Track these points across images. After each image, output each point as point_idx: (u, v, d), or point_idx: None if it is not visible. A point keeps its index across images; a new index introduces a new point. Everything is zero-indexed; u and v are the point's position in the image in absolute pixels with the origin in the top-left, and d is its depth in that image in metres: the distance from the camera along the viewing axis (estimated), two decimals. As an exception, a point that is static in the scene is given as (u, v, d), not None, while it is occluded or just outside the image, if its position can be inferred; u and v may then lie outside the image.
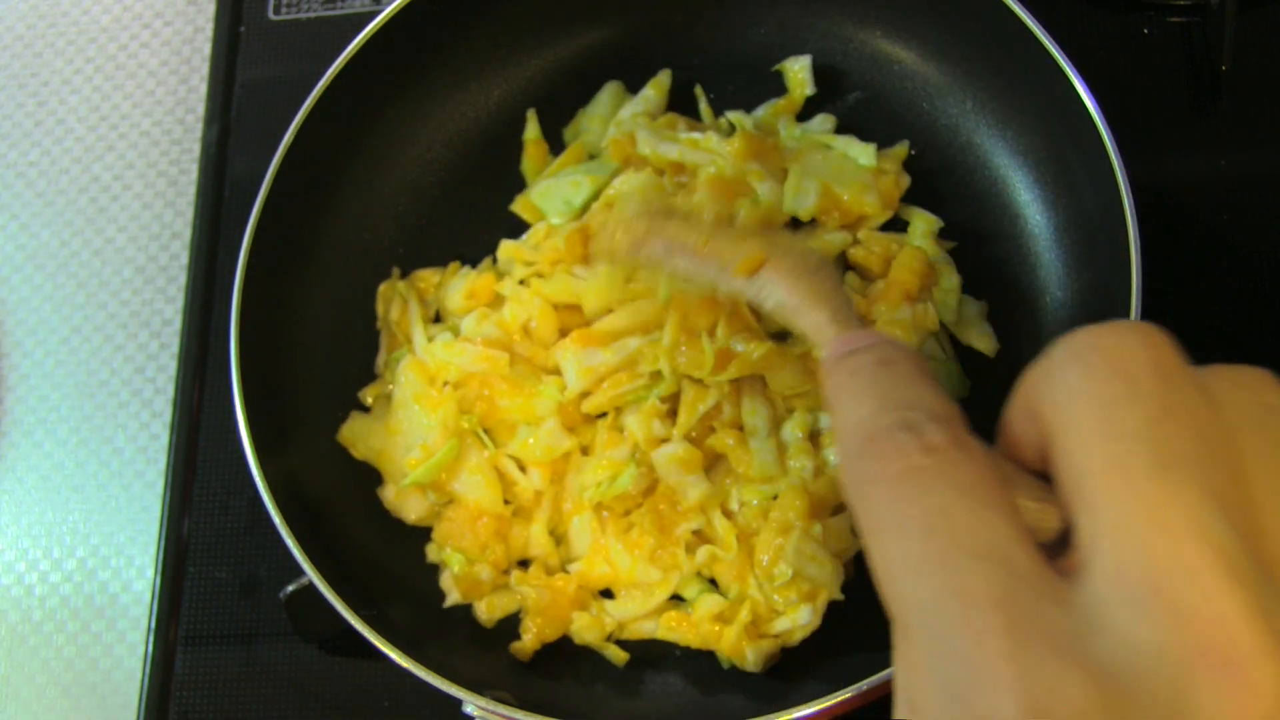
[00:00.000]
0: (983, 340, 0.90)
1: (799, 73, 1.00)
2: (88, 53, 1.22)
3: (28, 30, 1.24)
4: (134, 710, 0.95)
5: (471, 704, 0.76)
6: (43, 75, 1.22)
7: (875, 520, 0.41)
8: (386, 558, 0.90)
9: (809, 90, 0.99)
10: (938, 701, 0.37)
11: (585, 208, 0.96)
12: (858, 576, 0.85)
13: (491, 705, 0.76)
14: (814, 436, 0.87)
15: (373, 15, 0.95)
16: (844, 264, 0.93)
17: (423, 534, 0.92)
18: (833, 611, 0.83)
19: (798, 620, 0.82)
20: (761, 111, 1.00)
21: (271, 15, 1.17)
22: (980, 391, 0.89)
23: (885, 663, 0.72)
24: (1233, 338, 0.93)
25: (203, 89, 1.16)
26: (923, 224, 0.93)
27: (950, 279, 0.90)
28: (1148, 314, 0.76)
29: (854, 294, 0.89)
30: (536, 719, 0.75)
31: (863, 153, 0.94)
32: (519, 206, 1.00)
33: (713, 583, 0.87)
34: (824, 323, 0.62)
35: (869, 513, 0.41)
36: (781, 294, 0.66)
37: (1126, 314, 0.76)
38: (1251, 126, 0.99)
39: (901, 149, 0.96)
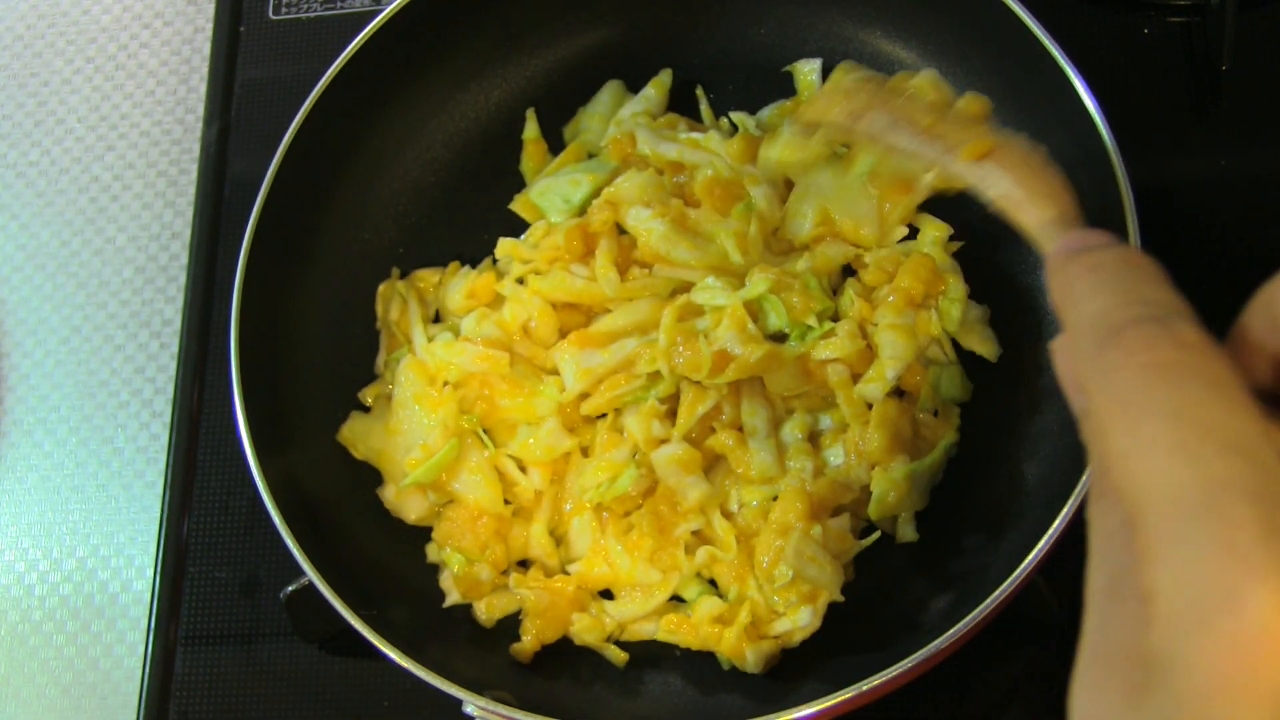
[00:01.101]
0: (985, 346, 0.90)
1: (809, 75, 1.00)
2: (88, 53, 1.22)
3: (28, 30, 1.24)
4: (134, 710, 0.95)
5: (471, 704, 0.76)
6: (43, 75, 1.22)
7: (1120, 406, 0.41)
8: (386, 558, 0.90)
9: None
10: (1185, 587, 0.37)
11: (584, 206, 0.96)
12: (857, 578, 0.85)
13: (491, 705, 0.76)
14: (814, 437, 0.87)
15: (373, 15, 0.95)
16: (846, 270, 0.93)
17: (423, 534, 0.92)
18: (832, 613, 0.83)
19: (798, 622, 0.82)
20: (766, 113, 1.00)
21: (271, 15, 1.17)
22: (982, 395, 0.89)
23: (885, 662, 0.72)
24: (1233, 338, 0.93)
25: (203, 89, 1.16)
26: (933, 231, 0.92)
27: (957, 288, 0.90)
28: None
29: (857, 297, 0.89)
30: (536, 719, 0.75)
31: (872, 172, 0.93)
32: (518, 205, 1.00)
33: (712, 584, 0.87)
34: (1053, 219, 0.61)
35: (1113, 398, 0.41)
36: (1007, 185, 0.64)
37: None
38: (1251, 126, 0.99)
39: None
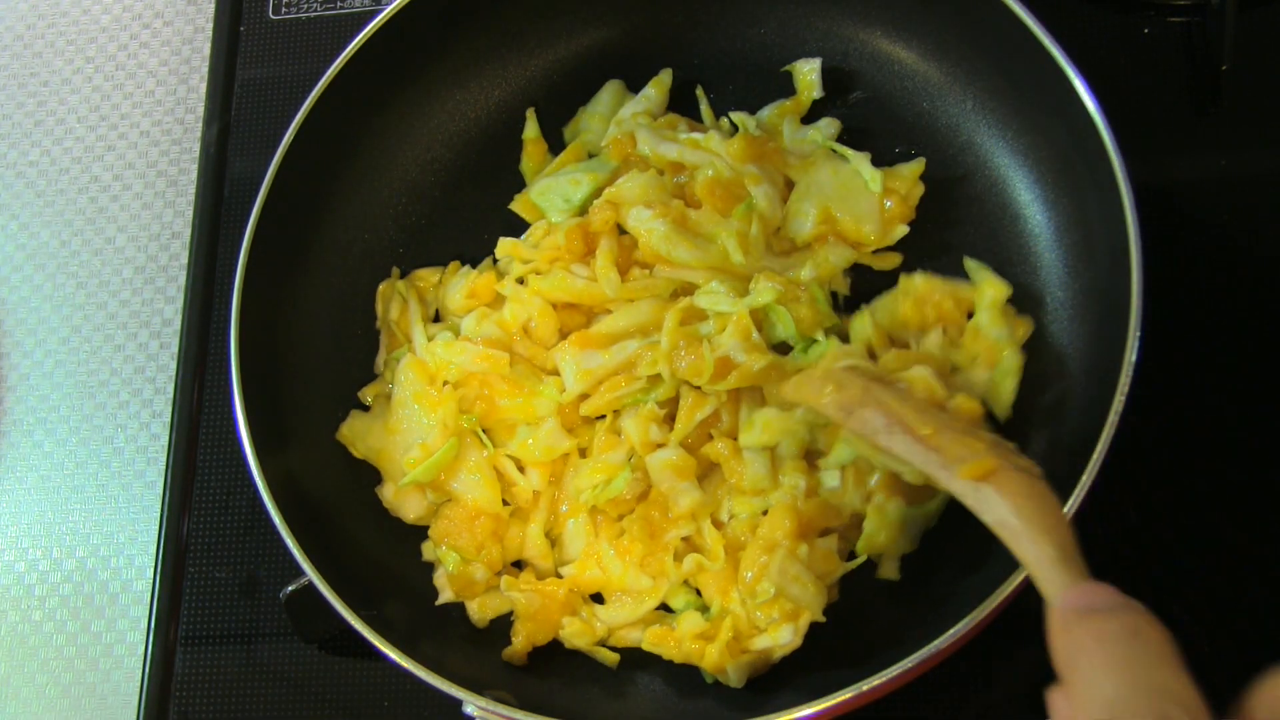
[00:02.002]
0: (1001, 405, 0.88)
1: (809, 74, 1.00)
2: (88, 53, 1.22)
3: (28, 30, 1.24)
4: (134, 710, 0.95)
5: (471, 704, 0.76)
6: (43, 75, 1.22)
7: None
8: (385, 557, 0.90)
9: (817, 93, 0.99)
10: None
11: (584, 206, 0.95)
12: (841, 599, 0.85)
13: (491, 705, 0.76)
14: (809, 455, 0.87)
15: (373, 15, 0.95)
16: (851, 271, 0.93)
17: (421, 533, 0.92)
18: (815, 630, 0.82)
19: (779, 639, 0.81)
20: (766, 112, 1.00)
21: (271, 15, 1.17)
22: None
23: (870, 673, 0.72)
24: (1233, 337, 0.93)
25: (203, 89, 1.16)
26: (991, 291, 0.87)
27: (1013, 359, 0.85)
28: (1148, 314, 0.76)
29: (871, 323, 0.87)
30: (536, 719, 0.75)
31: (873, 179, 0.93)
32: (518, 205, 1.00)
33: (699, 593, 0.87)
34: (1053, 559, 0.59)
35: None
36: (1005, 512, 0.63)
37: (1127, 314, 0.76)
38: (1251, 126, 0.99)
39: (918, 165, 0.95)
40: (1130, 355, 0.75)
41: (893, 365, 0.83)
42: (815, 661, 0.83)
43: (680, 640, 0.83)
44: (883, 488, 0.83)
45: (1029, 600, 0.82)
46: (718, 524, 0.86)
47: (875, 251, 0.93)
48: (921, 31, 0.97)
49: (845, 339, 0.88)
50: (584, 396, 0.89)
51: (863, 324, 0.88)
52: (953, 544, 0.85)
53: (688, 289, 0.90)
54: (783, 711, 0.73)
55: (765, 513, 0.84)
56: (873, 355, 0.87)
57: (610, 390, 0.88)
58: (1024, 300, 0.90)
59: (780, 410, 0.85)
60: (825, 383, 0.78)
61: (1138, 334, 0.75)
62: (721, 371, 0.84)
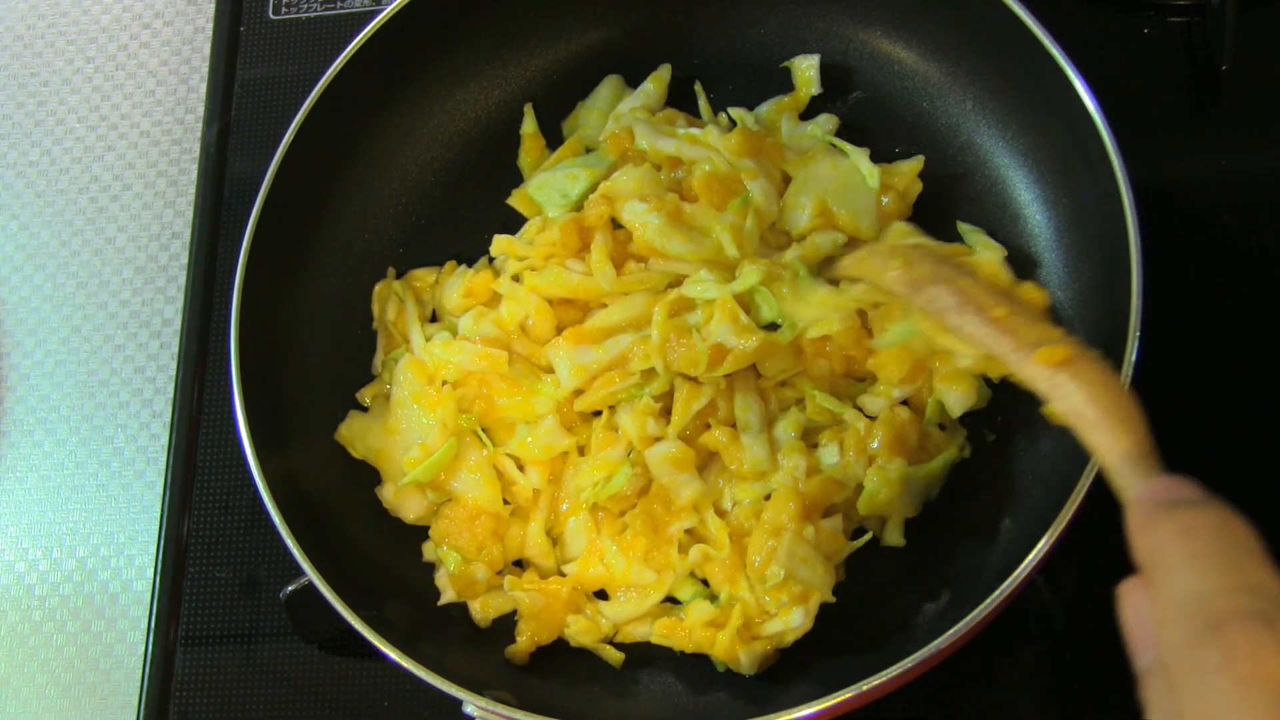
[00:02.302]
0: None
1: (807, 70, 1.00)
2: (88, 53, 1.22)
3: (28, 30, 1.24)
4: (134, 710, 0.95)
5: (471, 704, 0.76)
6: (43, 75, 1.22)
7: (1217, 717, 0.39)
8: (385, 557, 0.90)
9: (815, 89, 0.99)
10: None
11: (581, 201, 0.96)
12: (849, 580, 0.85)
13: (491, 705, 0.76)
14: (807, 436, 0.87)
15: (372, 15, 0.95)
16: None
17: (421, 533, 0.92)
18: (825, 613, 0.83)
19: (790, 623, 0.82)
20: (765, 108, 1.00)
21: (271, 15, 1.17)
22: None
23: (880, 663, 0.72)
24: (1233, 337, 0.93)
25: (203, 89, 1.16)
26: (987, 253, 0.88)
27: None
28: (1148, 314, 0.76)
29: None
30: (536, 719, 0.75)
31: (870, 174, 0.93)
32: (515, 200, 1.00)
33: (705, 584, 0.87)
34: (1130, 452, 0.58)
35: (1209, 704, 0.39)
36: (1082, 401, 0.62)
37: (1126, 314, 0.76)
38: (1251, 126, 0.99)
39: (916, 163, 0.95)
40: (1130, 355, 0.75)
41: (959, 253, 0.80)
42: (826, 646, 0.83)
43: (690, 630, 0.83)
44: (884, 450, 0.84)
45: (1030, 600, 0.82)
46: (721, 512, 0.86)
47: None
48: (921, 31, 0.97)
49: None
50: (579, 392, 0.89)
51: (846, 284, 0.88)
52: (959, 520, 0.86)
53: (682, 282, 0.90)
54: (783, 711, 0.73)
55: (768, 497, 0.84)
56: (862, 315, 0.87)
57: (605, 386, 0.88)
58: (1024, 300, 0.90)
59: (833, 289, 0.83)
60: (893, 257, 0.75)
61: (1138, 334, 0.75)
62: (717, 358, 0.84)
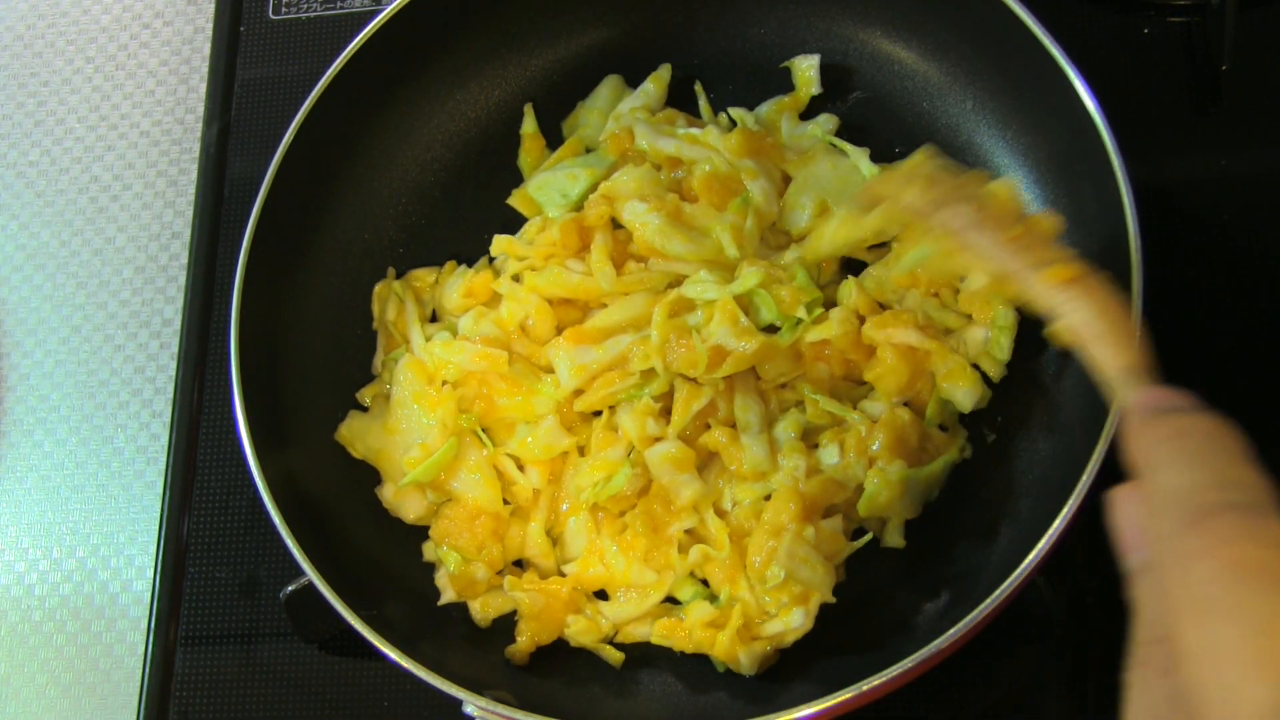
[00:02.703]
0: (993, 366, 0.89)
1: (807, 70, 1.00)
2: (88, 53, 1.22)
3: (28, 30, 1.24)
4: (134, 710, 0.95)
5: (471, 704, 0.76)
6: (43, 75, 1.22)
7: (1202, 599, 0.40)
8: (385, 557, 0.90)
9: (815, 89, 0.99)
10: None
11: (581, 200, 0.96)
12: (849, 580, 0.85)
13: (491, 705, 0.76)
14: (807, 436, 0.87)
15: (373, 15, 0.95)
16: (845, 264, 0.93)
17: (421, 533, 0.92)
18: (825, 614, 0.83)
19: (790, 623, 0.82)
20: (765, 108, 1.00)
21: (271, 15, 1.17)
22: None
23: (880, 663, 0.72)
24: (1233, 337, 0.93)
25: (203, 89, 1.16)
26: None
27: (1007, 315, 0.87)
28: (1148, 314, 0.76)
29: (858, 288, 0.88)
30: (536, 719, 0.75)
31: (870, 175, 0.93)
32: (515, 200, 1.00)
33: (705, 584, 0.87)
34: (1130, 366, 0.60)
35: (1195, 588, 0.40)
36: (1086, 316, 0.64)
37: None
38: (1251, 126, 0.99)
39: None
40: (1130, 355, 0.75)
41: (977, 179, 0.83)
42: (826, 647, 0.83)
43: (690, 630, 0.84)
44: (884, 452, 0.84)
45: (1030, 600, 0.82)
46: (721, 513, 0.86)
47: (871, 247, 0.93)
48: (921, 31, 0.97)
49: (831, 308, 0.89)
50: (579, 392, 0.89)
51: (849, 291, 0.89)
52: (959, 520, 0.86)
53: (682, 282, 0.90)
54: (783, 711, 0.73)
55: (768, 498, 0.84)
56: (861, 320, 0.87)
57: (605, 386, 0.88)
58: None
59: (851, 216, 0.84)
60: (915, 177, 0.77)
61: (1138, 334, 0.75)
62: (715, 361, 0.84)
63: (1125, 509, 0.49)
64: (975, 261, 0.74)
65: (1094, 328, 0.64)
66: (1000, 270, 0.72)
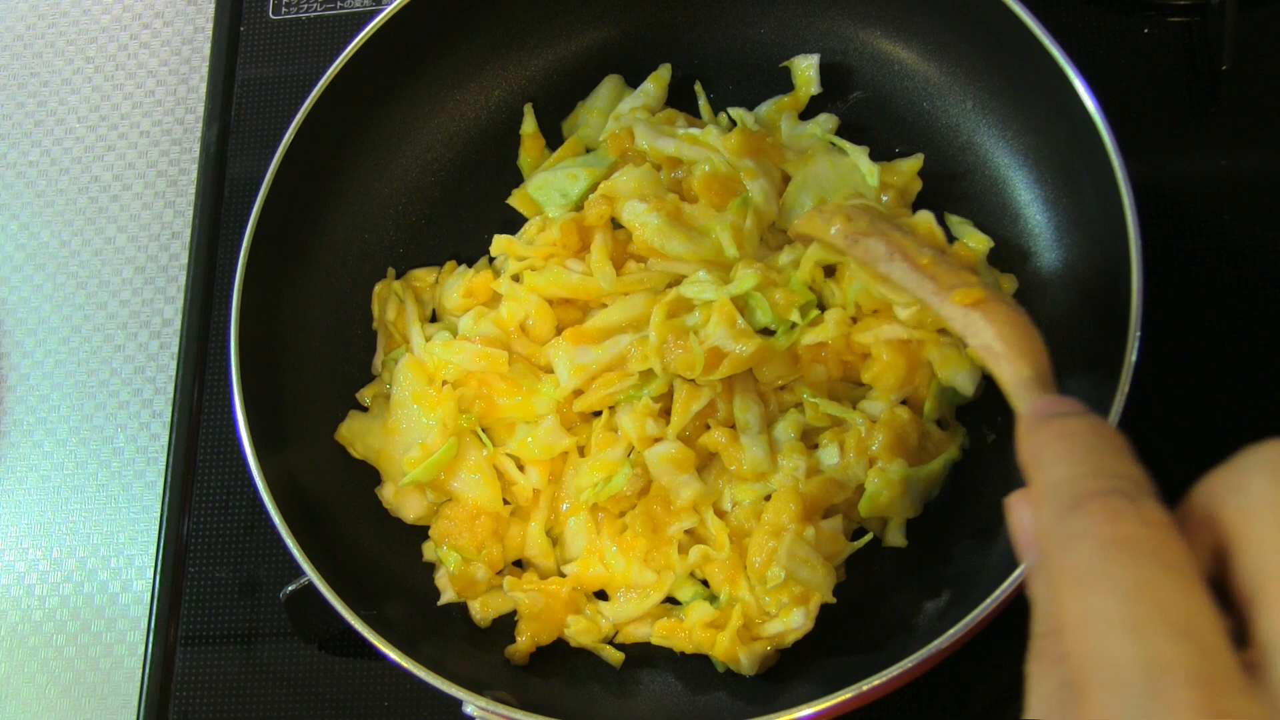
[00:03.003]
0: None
1: (807, 70, 1.00)
2: (88, 53, 1.22)
3: (28, 30, 1.24)
4: (134, 710, 0.95)
5: (471, 704, 0.76)
6: (43, 75, 1.22)
7: (1079, 573, 0.42)
8: (386, 557, 0.90)
9: (815, 89, 0.99)
10: None
11: (581, 200, 0.96)
12: (849, 580, 0.85)
13: (491, 705, 0.76)
14: (806, 436, 0.87)
15: (373, 15, 0.95)
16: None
17: (421, 533, 0.92)
18: (825, 614, 0.83)
19: (790, 623, 0.82)
20: (764, 108, 1.00)
21: (271, 15, 1.17)
22: (975, 398, 0.89)
23: (881, 663, 0.72)
24: (1233, 337, 0.93)
25: (203, 89, 1.16)
26: (974, 244, 0.91)
27: None
28: (1148, 313, 0.76)
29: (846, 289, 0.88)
30: (536, 719, 0.75)
31: (870, 173, 0.93)
32: (515, 200, 1.00)
33: (705, 584, 0.87)
34: (1028, 379, 0.65)
35: (1073, 565, 0.43)
36: (990, 337, 0.68)
37: (1127, 315, 0.76)
38: (1251, 126, 0.99)
39: (916, 161, 0.95)
40: (1130, 355, 0.75)
41: (897, 213, 0.88)
42: (826, 647, 0.83)
43: (690, 630, 0.84)
44: (884, 451, 0.84)
45: (1028, 601, 0.82)
46: (720, 513, 0.86)
47: None
48: (921, 31, 0.97)
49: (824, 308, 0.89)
50: (579, 392, 0.89)
51: (831, 290, 0.89)
52: (959, 520, 0.86)
53: (681, 282, 0.90)
54: (783, 711, 0.73)
55: (768, 498, 0.84)
56: (854, 319, 0.88)
57: (604, 386, 0.88)
58: (1023, 300, 0.90)
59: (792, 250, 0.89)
60: (835, 215, 0.82)
61: (1138, 334, 0.75)
62: (713, 362, 0.84)
63: (1019, 514, 0.52)
64: (892, 290, 0.79)
65: (995, 347, 0.68)
66: (913, 297, 0.76)
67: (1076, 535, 0.43)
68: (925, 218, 0.88)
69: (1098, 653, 0.40)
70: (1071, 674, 0.42)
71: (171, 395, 1.05)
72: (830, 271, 0.90)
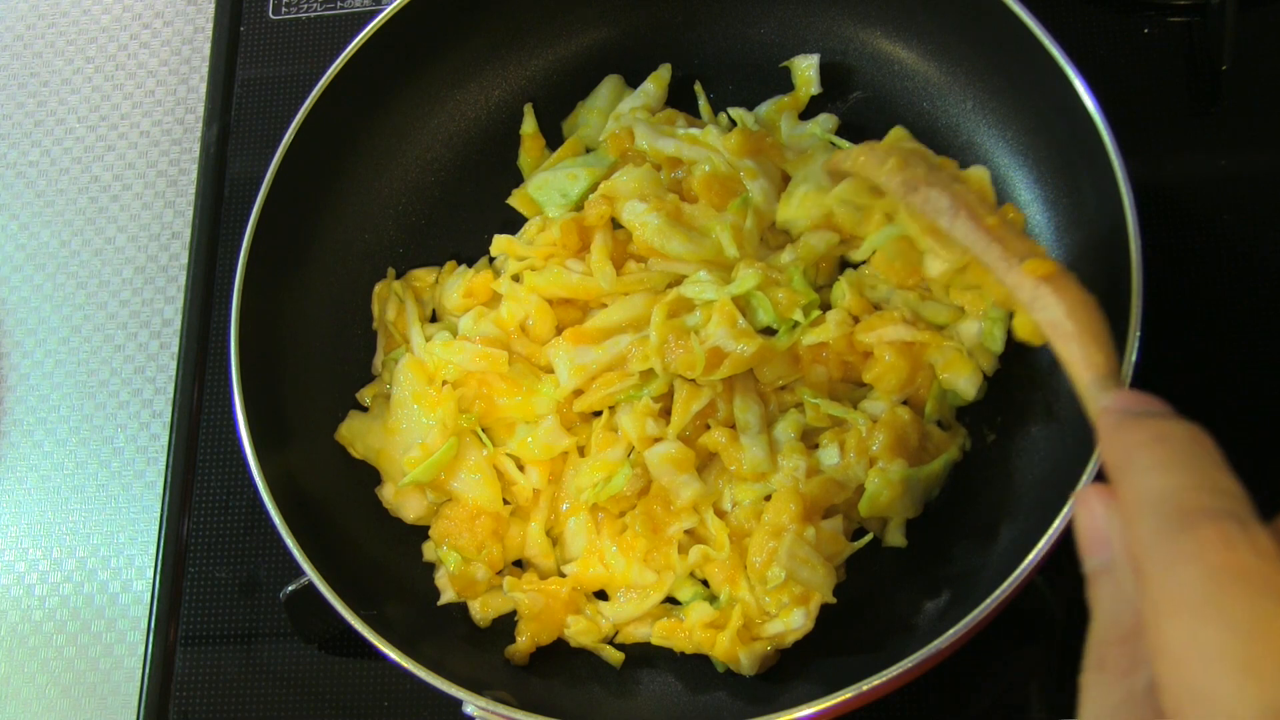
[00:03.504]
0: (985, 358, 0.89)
1: (807, 70, 1.00)
2: (88, 53, 1.22)
3: (28, 30, 1.24)
4: (134, 710, 0.95)
5: (471, 704, 0.76)
6: (43, 75, 1.22)
7: (1185, 600, 0.40)
8: (386, 557, 0.90)
9: (815, 89, 0.99)
10: None
11: (581, 200, 0.96)
12: (849, 580, 0.85)
13: (491, 705, 0.76)
14: (806, 437, 0.87)
15: (373, 15, 0.95)
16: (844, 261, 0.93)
17: (421, 533, 0.92)
18: (825, 614, 0.83)
19: (790, 624, 0.82)
20: (764, 108, 1.00)
21: (271, 15, 1.17)
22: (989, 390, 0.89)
23: (881, 663, 0.72)
24: (1233, 337, 0.93)
25: (203, 89, 1.16)
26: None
27: (999, 307, 0.87)
28: (1148, 313, 0.76)
29: (850, 289, 0.88)
30: (536, 719, 0.75)
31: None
32: (515, 200, 1.00)
33: (705, 585, 0.87)
34: (1102, 366, 0.61)
35: (1179, 590, 0.41)
36: (1061, 314, 0.64)
37: (1127, 315, 0.76)
38: (1251, 126, 0.99)
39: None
40: (1130, 355, 0.75)
41: (949, 164, 0.82)
42: (826, 647, 0.83)
43: (690, 631, 0.84)
44: (885, 451, 0.84)
45: (1030, 600, 0.82)
46: (720, 513, 0.86)
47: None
48: (921, 31, 0.97)
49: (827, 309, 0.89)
50: (579, 392, 0.89)
51: (841, 292, 0.88)
52: (959, 520, 0.86)
53: (682, 282, 0.90)
54: (783, 711, 0.73)
55: (768, 498, 0.84)
56: (855, 319, 0.87)
57: (604, 386, 0.88)
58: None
59: (820, 188, 0.84)
60: (890, 156, 0.76)
61: (1138, 334, 0.75)
62: (713, 362, 0.84)
63: (1090, 510, 0.49)
64: (946, 247, 0.74)
65: (1066, 327, 0.64)
66: (977, 258, 0.71)
67: (1186, 558, 0.41)
68: (980, 173, 0.83)
69: (1202, 689, 0.38)
70: (1148, 698, 0.40)
71: (171, 395, 1.05)
72: (841, 268, 0.90)
